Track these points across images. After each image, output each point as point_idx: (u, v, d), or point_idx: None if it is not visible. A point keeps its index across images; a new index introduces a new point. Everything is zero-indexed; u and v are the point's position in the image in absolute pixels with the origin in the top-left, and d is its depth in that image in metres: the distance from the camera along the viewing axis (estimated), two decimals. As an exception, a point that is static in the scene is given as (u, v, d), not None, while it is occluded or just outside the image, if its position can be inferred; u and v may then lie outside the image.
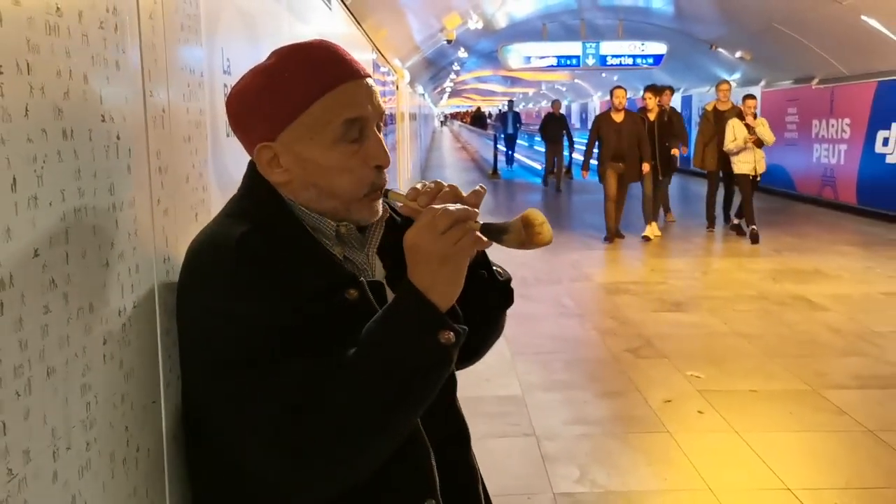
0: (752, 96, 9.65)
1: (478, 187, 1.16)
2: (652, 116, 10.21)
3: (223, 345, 1.07)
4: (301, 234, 1.16)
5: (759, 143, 9.28)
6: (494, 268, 1.34)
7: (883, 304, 6.54)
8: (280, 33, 2.29)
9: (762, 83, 15.50)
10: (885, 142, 11.23)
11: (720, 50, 15.69)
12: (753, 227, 9.36)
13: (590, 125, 15.10)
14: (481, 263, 1.31)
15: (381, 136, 1.21)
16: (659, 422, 4.14)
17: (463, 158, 28.62)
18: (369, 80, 1.20)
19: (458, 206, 1.07)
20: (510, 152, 22.83)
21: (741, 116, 9.43)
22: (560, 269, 8.16)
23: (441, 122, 66.01)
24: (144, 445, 1.12)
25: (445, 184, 1.18)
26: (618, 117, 9.56)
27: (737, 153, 9.36)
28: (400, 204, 1.22)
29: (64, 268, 0.90)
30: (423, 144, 24.38)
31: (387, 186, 1.23)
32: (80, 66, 0.95)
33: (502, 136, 22.73)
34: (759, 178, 9.57)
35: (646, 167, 9.54)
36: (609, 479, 3.54)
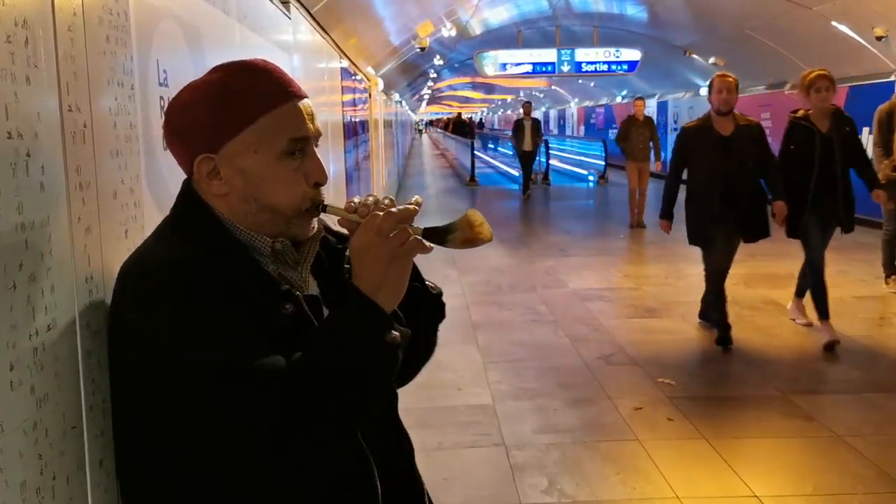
0: None
1: (415, 198, 1.19)
2: (824, 124, 5.33)
3: (185, 359, 1.06)
4: (236, 253, 1.18)
5: None
6: (427, 282, 1.34)
7: (854, 307, 6.58)
8: (231, 44, 2.25)
9: (736, 89, 15.59)
10: (857, 146, 11.31)
11: (694, 56, 15.81)
12: None
13: (569, 131, 14.61)
14: (414, 276, 1.30)
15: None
16: (629, 430, 4.13)
17: (441, 166, 28.64)
18: (308, 101, 1.24)
19: (400, 207, 1.11)
20: (525, 175, 15.68)
21: None
22: (534, 275, 8.15)
23: (419, 130, 64.84)
24: (62, 473, 1.09)
25: (381, 196, 1.21)
26: (725, 127, 5.39)
27: None
28: (338, 218, 1.23)
29: (-41, 292, 0.86)
30: (400, 152, 24.31)
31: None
32: (-19, 81, 0.91)
33: (514, 153, 16.73)
34: None
35: (780, 209, 5.28)
36: (577, 488, 3.51)
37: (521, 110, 15.91)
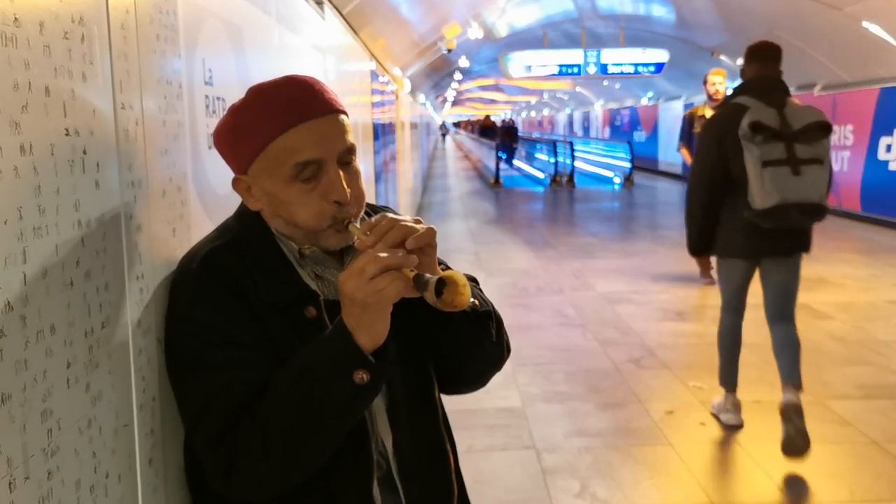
0: None
1: (428, 227, 1.13)
2: None
3: (178, 349, 1.19)
4: (271, 252, 1.24)
5: None
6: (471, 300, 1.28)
7: (887, 312, 6.48)
8: (269, 44, 2.25)
9: (764, 90, 15.41)
10: (889, 148, 11.17)
11: (722, 57, 15.67)
12: None
13: (593, 133, 13.97)
14: None
15: (355, 163, 1.25)
16: (661, 434, 4.09)
17: (465, 167, 28.60)
18: (341, 117, 1.23)
19: (394, 252, 1.07)
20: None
21: None
22: (562, 278, 8.11)
23: (442, 135, 63.78)
24: (115, 471, 1.08)
25: (401, 220, 1.13)
26: None
27: None
28: (357, 239, 1.17)
29: (21, 288, 0.86)
30: (425, 153, 24.31)
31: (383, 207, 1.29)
32: (41, 78, 0.91)
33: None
34: None
35: None
36: (610, 493, 3.48)
37: (706, 90, 7.47)
